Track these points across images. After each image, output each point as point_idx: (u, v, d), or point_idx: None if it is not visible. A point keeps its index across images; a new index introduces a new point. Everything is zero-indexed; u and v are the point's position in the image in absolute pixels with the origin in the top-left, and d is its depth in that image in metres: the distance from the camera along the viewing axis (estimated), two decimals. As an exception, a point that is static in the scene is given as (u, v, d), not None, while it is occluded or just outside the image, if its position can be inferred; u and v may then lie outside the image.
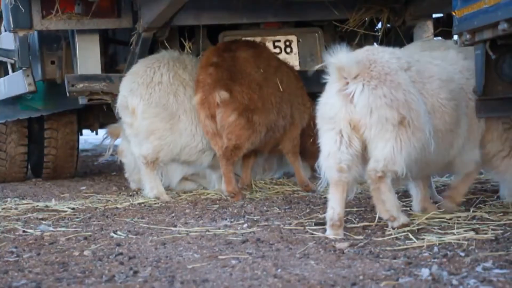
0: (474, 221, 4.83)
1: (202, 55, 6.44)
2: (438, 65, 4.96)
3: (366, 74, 4.58)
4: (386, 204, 4.59)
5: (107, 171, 9.31)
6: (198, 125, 6.28)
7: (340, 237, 4.55)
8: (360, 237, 4.53)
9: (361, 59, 4.64)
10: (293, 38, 7.11)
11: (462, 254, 4.02)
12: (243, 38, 6.80)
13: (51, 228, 5.18)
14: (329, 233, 4.58)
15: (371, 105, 4.53)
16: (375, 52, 4.75)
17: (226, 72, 6.14)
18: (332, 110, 4.61)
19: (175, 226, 5.13)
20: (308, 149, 6.71)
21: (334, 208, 4.57)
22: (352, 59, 4.58)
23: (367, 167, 4.59)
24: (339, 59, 4.55)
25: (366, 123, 4.54)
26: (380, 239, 4.46)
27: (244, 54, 6.26)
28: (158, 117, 6.29)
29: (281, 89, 6.30)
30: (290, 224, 5.02)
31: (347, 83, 4.58)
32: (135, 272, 3.89)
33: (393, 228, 4.62)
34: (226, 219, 5.29)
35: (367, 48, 4.88)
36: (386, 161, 4.53)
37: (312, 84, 6.77)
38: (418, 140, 4.60)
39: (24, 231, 5.10)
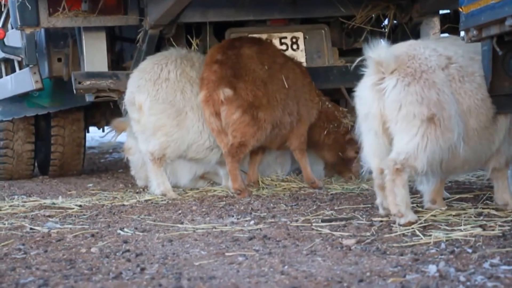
0: (481, 218, 4.82)
1: (207, 52, 6.45)
2: (480, 61, 4.88)
3: (403, 70, 4.63)
4: (397, 198, 4.62)
5: (114, 168, 9.33)
6: (205, 122, 6.28)
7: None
8: (367, 233, 4.53)
9: (400, 54, 4.69)
10: (300, 35, 7.11)
11: (469, 250, 4.01)
12: (249, 35, 6.80)
13: (58, 225, 5.18)
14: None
15: (401, 101, 4.58)
16: (416, 48, 4.78)
17: (230, 69, 6.14)
18: (365, 103, 4.71)
19: (182, 223, 5.13)
20: (324, 143, 6.69)
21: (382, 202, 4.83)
22: (391, 54, 4.63)
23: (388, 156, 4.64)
24: (378, 54, 4.61)
25: (393, 118, 4.60)
26: (387, 235, 4.46)
27: (248, 51, 6.26)
28: (165, 113, 6.30)
29: (287, 86, 6.30)
30: (297, 221, 5.02)
31: (383, 77, 4.64)
32: (142, 269, 3.90)
33: (399, 225, 4.63)
34: (233, 216, 5.29)
35: (410, 42, 4.92)
36: (408, 155, 4.57)
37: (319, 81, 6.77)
38: (446, 140, 4.61)
39: (31, 228, 5.11)
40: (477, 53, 4.89)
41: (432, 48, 4.81)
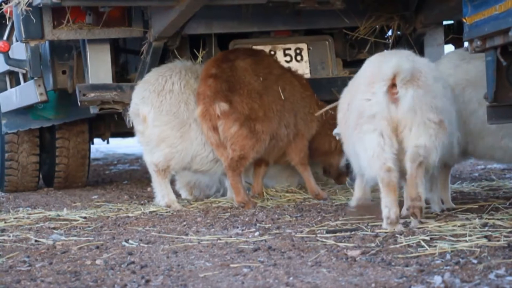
0: (487, 228, 4.81)
1: (203, 66, 6.45)
2: None
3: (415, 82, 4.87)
4: (420, 187, 4.81)
5: (119, 180, 9.33)
6: (206, 140, 6.29)
7: (398, 230, 4.82)
8: (372, 244, 4.53)
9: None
10: (304, 46, 7.12)
11: (475, 261, 4.00)
12: (253, 46, 6.80)
13: (63, 237, 5.19)
14: (387, 227, 4.87)
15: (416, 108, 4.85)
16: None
17: (225, 83, 6.16)
18: (377, 107, 4.88)
19: (187, 234, 5.13)
20: (337, 149, 6.64)
21: (390, 207, 4.87)
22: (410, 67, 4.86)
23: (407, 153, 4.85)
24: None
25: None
26: (392, 246, 4.46)
27: (243, 64, 6.27)
28: (168, 125, 6.30)
29: (283, 97, 6.30)
30: (301, 232, 5.02)
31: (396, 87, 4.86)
32: (147, 281, 3.90)
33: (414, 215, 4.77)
34: (238, 227, 5.29)
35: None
36: (427, 149, 4.82)
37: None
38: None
39: (36, 241, 5.12)
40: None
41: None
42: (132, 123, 6.55)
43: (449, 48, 7.37)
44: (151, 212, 6.15)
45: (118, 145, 13.99)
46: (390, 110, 4.82)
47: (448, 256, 4.14)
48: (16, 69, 7.39)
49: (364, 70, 5.11)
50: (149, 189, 7.24)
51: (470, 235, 4.59)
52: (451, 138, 5.05)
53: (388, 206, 4.84)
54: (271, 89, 6.28)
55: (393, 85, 4.81)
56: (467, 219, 5.13)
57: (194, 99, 6.36)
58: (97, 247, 4.81)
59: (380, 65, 4.88)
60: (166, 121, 6.31)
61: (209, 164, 6.42)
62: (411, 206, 4.84)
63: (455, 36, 7.32)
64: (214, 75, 6.18)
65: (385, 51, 5.47)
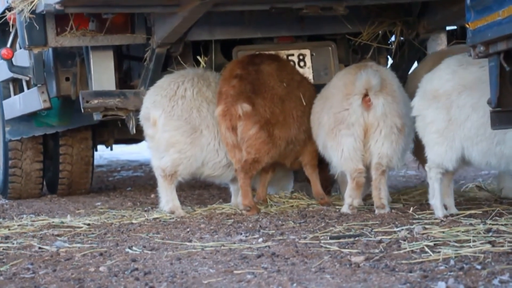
0: (490, 234, 4.81)
1: (225, 67, 6.46)
2: None
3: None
4: (382, 194, 5.90)
5: (122, 186, 9.33)
6: (221, 140, 6.29)
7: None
8: (376, 250, 4.52)
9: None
10: (307, 52, 7.12)
11: (479, 267, 4.00)
12: (259, 52, 6.80)
13: (66, 244, 5.19)
14: (346, 211, 5.92)
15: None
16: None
17: (249, 85, 6.17)
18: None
19: (190, 241, 5.13)
20: None
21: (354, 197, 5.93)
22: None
23: None
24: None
25: None
26: (395, 252, 4.45)
27: (268, 68, 6.29)
28: (179, 130, 6.30)
29: (304, 103, 6.33)
30: (305, 238, 5.02)
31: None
32: (151, 288, 3.90)
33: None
34: (241, 234, 5.29)
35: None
36: (389, 157, 5.98)
37: None
38: None
39: (40, 248, 5.12)
40: None
41: None
42: (142, 127, 6.55)
43: (452, 53, 7.36)
44: (154, 218, 6.15)
45: (121, 152, 13.98)
46: (363, 117, 5.82)
47: (452, 262, 4.13)
48: (19, 76, 7.40)
49: (337, 82, 6.06)
50: (152, 195, 7.24)
51: (474, 241, 4.59)
52: (409, 139, 5.97)
53: (352, 196, 5.90)
54: (293, 95, 6.32)
55: (365, 95, 5.80)
56: (470, 224, 5.12)
57: (207, 106, 6.36)
58: (101, 254, 4.80)
59: (353, 80, 5.84)
60: (177, 126, 6.30)
61: (221, 169, 6.43)
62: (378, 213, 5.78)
63: (458, 41, 7.32)
64: (239, 75, 6.19)
65: (353, 65, 6.31)
